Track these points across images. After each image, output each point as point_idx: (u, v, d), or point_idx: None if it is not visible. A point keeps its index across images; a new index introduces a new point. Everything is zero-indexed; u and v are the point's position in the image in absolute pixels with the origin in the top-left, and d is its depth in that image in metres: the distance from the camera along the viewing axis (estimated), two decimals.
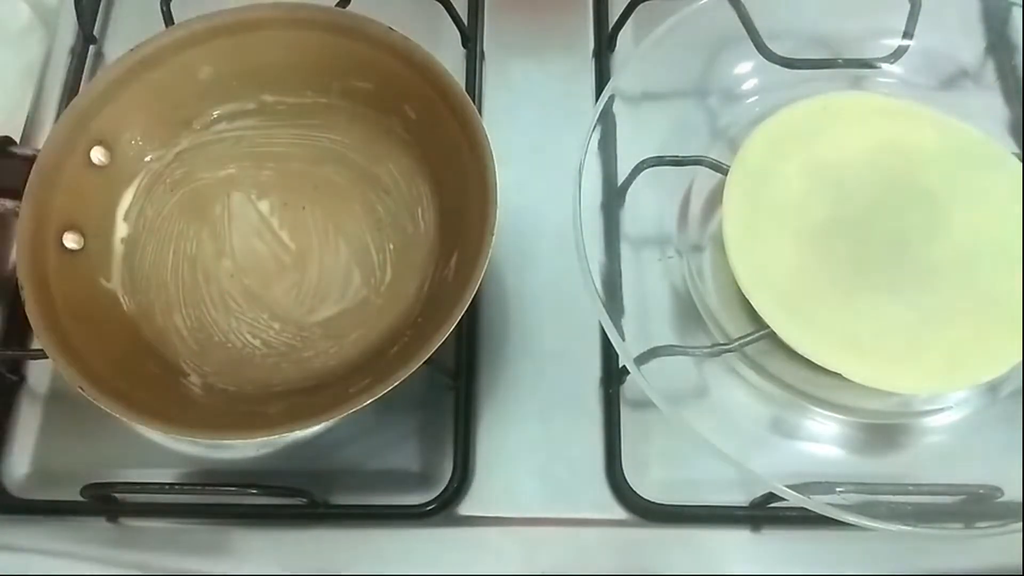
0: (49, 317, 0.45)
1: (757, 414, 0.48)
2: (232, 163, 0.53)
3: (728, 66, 0.56)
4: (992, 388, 0.47)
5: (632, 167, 0.52)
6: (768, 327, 0.47)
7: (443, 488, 0.48)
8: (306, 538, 0.48)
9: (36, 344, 0.44)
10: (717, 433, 0.41)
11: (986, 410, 0.47)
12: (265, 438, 0.47)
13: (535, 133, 0.57)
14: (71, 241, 0.49)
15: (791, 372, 0.48)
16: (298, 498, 0.46)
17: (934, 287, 0.48)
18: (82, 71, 0.61)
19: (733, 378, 0.49)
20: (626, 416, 0.49)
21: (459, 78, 0.52)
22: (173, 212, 0.52)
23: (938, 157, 0.51)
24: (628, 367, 0.43)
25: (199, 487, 0.48)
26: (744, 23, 0.53)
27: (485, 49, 0.60)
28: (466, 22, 0.59)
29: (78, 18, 0.61)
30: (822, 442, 0.48)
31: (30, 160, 0.48)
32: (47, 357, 0.44)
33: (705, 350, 0.48)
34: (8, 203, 0.48)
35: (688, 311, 0.50)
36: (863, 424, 0.48)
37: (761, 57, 0.54)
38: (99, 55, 0.62)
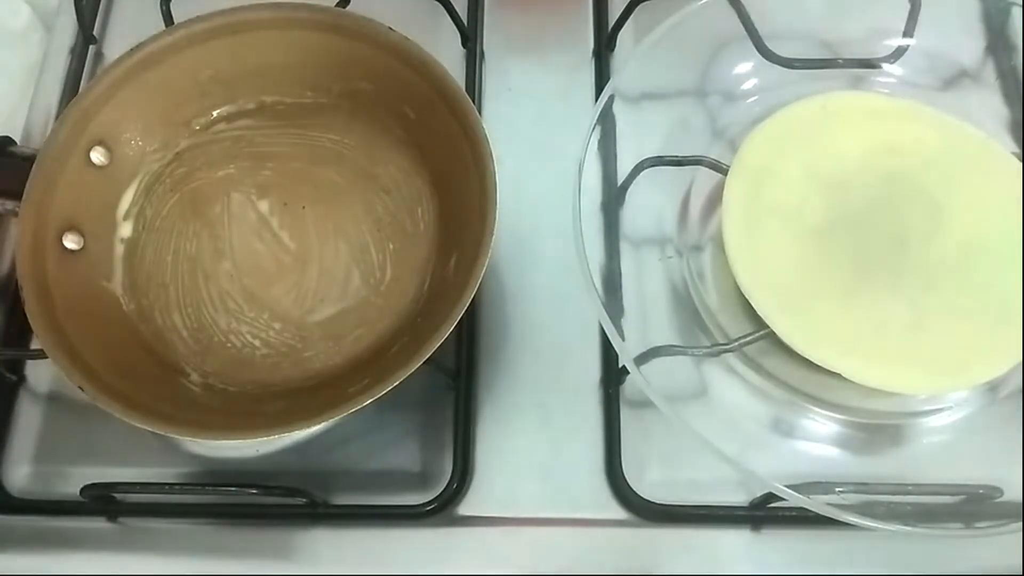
0: (49, 317, 0.45)
1: (757, 414, 0.49)
2: (232, 163, 0.53)
3: (728, 66, 0.56)
4: (992, 388, 0.47)
5: (632, 167, 0.52)
6: (768, 327, 0.47)
7: (443, 488, 0.48)
8: (306, 538, 0.48)
9: (36, 344, 0.45)
10: (717, 433, 0.41)
11: (986, 410, 0.47)
12: (265, 438, 0.47)
13: (535, 133, 0.57)
14: (71, 241, 0.49)
15: (791, 372, 0.48)
16: (298, 498, 0.46)
17: (934, 287, 0.48)
18: (82, 71, 0.61)
19: (733, 378, 0.49)
20: (626, 416, 0.49)
21: (459, 78, 0.52)
22: (173, 212, 0.52)
23: (938, 157, 0.51)
24: (628, 367, 0.43)
25: (199, 487, 0.48)
26: (744, 23, 0.53)
27: (485, 49, 0.60)
28: (466, 22, 0.59)
29: (78, 18, 0.61)
30: (822, 442, 0.48)
31: (30, 160, 0.48)
32: (47, 357, 0.44)
33: (705, 350, 0.48)
34: (8, 203, 0.48)
35: (688, 311, 0.50)
36: (863, 424, 0.48)
37: (761, 57, 0.54)
38: (99, 55, 0.62)
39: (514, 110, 0.58)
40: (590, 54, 0.60)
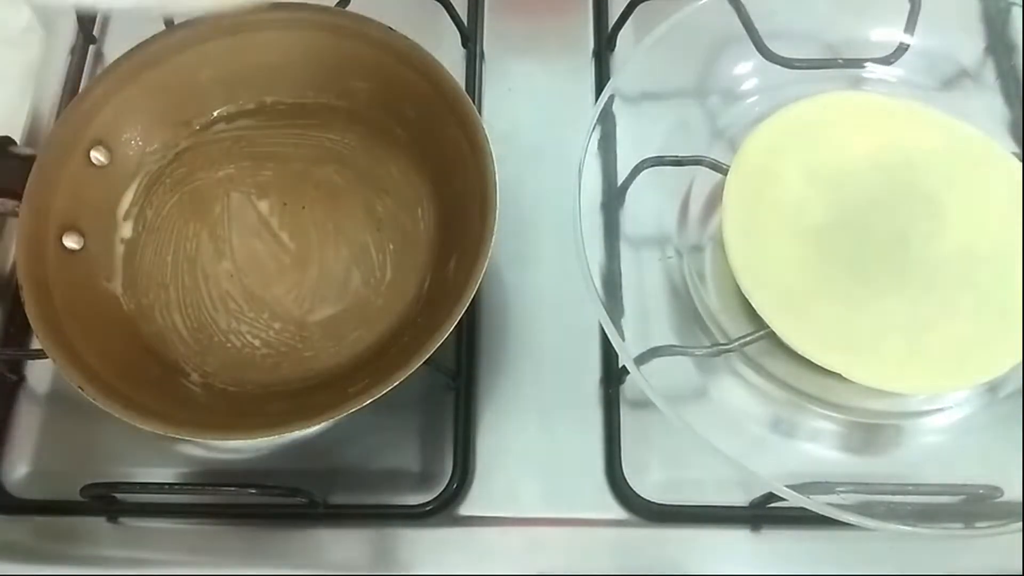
0: (49, 317, 0.45)
1: (757, 414, 0.48)
2: (232, 163, 0.53)
3: (728, 66, 0.56)
4: (992, 388, 0.47)
5: (632, 167, 0.52)
6: (768, 327, 0.47)
7: (443, 488, 0.48)
8: (306, 538, 0.48)
9: (36, 344, 0.45)
10: (717, 433, 0.41)
11: (986, 410, 0.47)
12: (265, 438, 0.47)
13: (535, 133, 0.57)
14: (71, 241, 0.49)
15: (791, 372, 0.48)
16: (298, 498, 0.46)
17: (934, 287, 0.48)
18: (82, 71, 0.61)
19: (733, 378, 0.49)
20: (626, 416, 0.49)
21: (459, 78, 0.52)
22: (173, 212, 0.52)
23: (938, 157, 0.51)
24: (628, 367, 0.43)
25: (199, 487, 0.48)
26: (744, 23, 0.53)
27: (485, 49, 0.60)
28: (466, 22, 0.59)
29: (78, 18, 0.61)
30: (822, 442, 0.48)
31: (30, 160, 0.48)
32: (47, 357, 0.44)
33: (705, 350, 0.48)
34: (8, 203, 0.48)
35: (688, 311, 0.50)
36: (863, 424, 0.48)
37: (761, 57, 0.54)
38: (99, 55, 0.62)
39: (514, 110, 0.58)
40: (590, 54, 0.60)
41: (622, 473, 0.48)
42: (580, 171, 0.47)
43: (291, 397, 0.47)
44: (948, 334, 0.46)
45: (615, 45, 0.59)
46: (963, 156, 0.51)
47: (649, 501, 0.47)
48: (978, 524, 0.41)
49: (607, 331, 0.44)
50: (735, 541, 0.47)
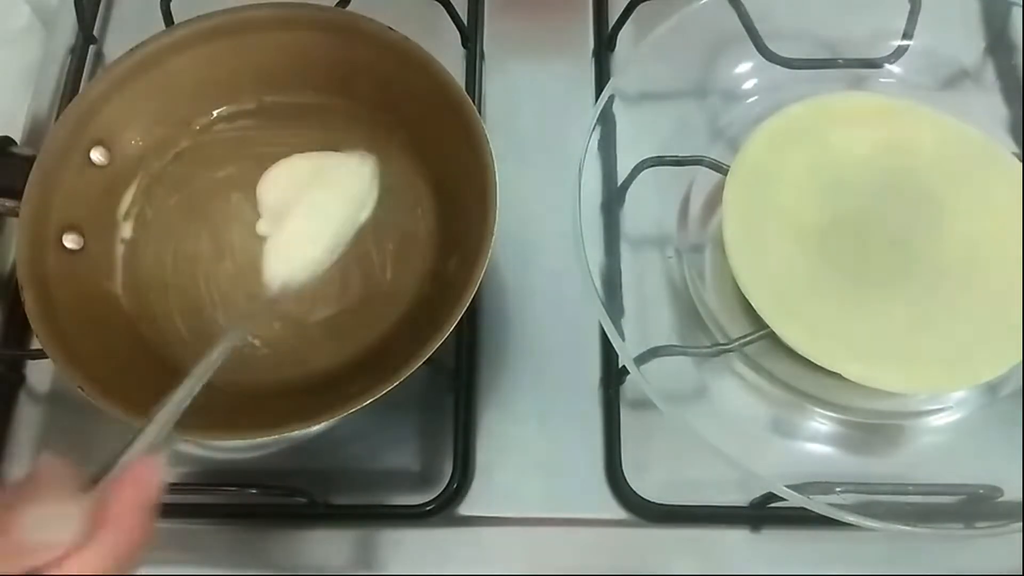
0: (49, 317, 0.45)
1: (757, 414, 0.49)
2: (232, 163, 0.53)
3: (728, 66, 0.56)
4: (992, 388, 0.47)
5: (632, 167, 0.52)
6: (768, 327, 0.47)
7: (443, 488, 0.48)
8: (306, 538, 0.48)
9: (36, 344, 0.44)
10: (717, 433, 0.41)
11: (986, 410, 0.47)
12: (265, 438, 0.47)
13: (535, 133, 0.57)
14: (71, 241, 0.48)
15: (791, 372, 0.48)
16: (298, 498, 0.46)
17: (934, 287, 0.48)
18: (82, 71, 0.61)
19: (733, 378, 0.49)
20: (626, 416, 0.49)
21: (459, 78, 0.52)
22: (173, 212, 0.52)
23: (938, 157, 0.51)
24: (628, 367, 0.43)
25: (199, 487, 0.48)
26: (744, 23, 0.53)
27: (485, 49, 0.60)
28: (466, 22, 0.59)
29: (78, 18, 0.61)
30: (822, 442, 0.48)
31: (30, 160, 0.48)
32: (47, 357, 0.44)
33: (705, 350, 0.48)
34: (8, 203, 0.48)
35: (688, 311, 0.50)
36: (863, 424, 0.48)
37: (761, 57, 0.54)
38: (99, 55, 0.62)
39: (514, 110, 0.58)
40: (590, 54, 0.60)
41: (622, 473, 0.48)
42: (580, 171, 0.47)
43: (291, 397, 0.47)
44: (948, 334, 0.46)
45: (615, 45, 0.59)
46: (963, 156, 0.51)
47: (649, 501, 0.47)
48: (978, 524, 0.41)
49: (607, 331, 0.44)
50: (735, 541, 0.47)
